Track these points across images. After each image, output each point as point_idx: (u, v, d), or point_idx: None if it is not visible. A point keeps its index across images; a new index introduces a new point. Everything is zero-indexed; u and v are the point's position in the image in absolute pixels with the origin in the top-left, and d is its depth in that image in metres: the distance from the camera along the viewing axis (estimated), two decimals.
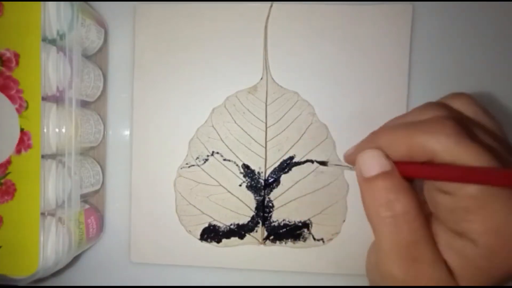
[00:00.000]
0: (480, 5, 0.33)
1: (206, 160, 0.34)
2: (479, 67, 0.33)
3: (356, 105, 0.33)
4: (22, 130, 0.27)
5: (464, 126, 0.19)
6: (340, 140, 0.34)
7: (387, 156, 0.20)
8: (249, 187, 0.34)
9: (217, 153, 0.34)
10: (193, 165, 0.34)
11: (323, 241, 0.34)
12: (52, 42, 0.28)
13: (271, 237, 0.34)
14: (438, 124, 0.19)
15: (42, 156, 0.27)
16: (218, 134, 0.34)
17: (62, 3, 0.28)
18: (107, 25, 0.35)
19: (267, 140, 0.34)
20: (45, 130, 0.27)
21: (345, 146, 0.33)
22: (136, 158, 0.34)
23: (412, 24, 0.33)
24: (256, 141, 0.34)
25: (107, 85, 0.35)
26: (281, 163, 0.34)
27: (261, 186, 0.34)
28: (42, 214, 0.28)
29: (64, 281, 0.36)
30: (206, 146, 0.34)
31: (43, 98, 0.27)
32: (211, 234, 0.34)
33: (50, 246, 0.28)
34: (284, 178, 0.34)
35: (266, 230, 0.34)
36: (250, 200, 0.34)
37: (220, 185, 0.34)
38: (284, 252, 0.34)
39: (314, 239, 0.34)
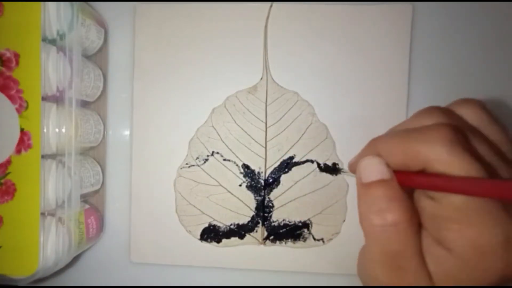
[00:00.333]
0: (480, 5, 0.33)
1: (206, 160, 0.34)
2: (479, 67, 0.33)
3: (356, 105, 0.33)
4: (22, 130, 0.27)
5: (461, 135, 0.19)
6: (340, 140, 0.33)
7: (388, 164, 0.20)
8: (249, 187, 0.34)
9: (217, 153, 0.34)
10: (193, 165, 0.34)
11: (323, 241, 0.34)
12: (52, 42, 0.28)
13: (271, 237, 0.34)
14: (434, 132, 0.19)
15: (42, 156, 0.27)
16: (218, 134, 0.34)
17: (62, 3, 0.28)
18: (107, 25, 0.35)
19: (267, 140, 0.34)
20: (45, 130, 0.27)
21: (345, 146, 0.34)
22: (136, 158, 0.34)
23: (412, 24, 0.33)
24: (256, 141, 0.34)
25: (107, 85, 0.35)
26: (281, 163, 0.34)
27: (261, 186, 0.34)
28: (42, 214, 0.28)
29: (64, 281, 0.36)
30: (206, 146, 0.34)
31: (43, 98, 0.27)
32: (211, 234, 0.34)
33: (50, 246, 0.28)
34: (284, 178, 0.34)
35: (266, 230, 0.34)
36: (250, 200, 0.34)
37: (220, 185, 0.34)
38: (284, 252, 0.34)
39: (314, 239, 0.34)
